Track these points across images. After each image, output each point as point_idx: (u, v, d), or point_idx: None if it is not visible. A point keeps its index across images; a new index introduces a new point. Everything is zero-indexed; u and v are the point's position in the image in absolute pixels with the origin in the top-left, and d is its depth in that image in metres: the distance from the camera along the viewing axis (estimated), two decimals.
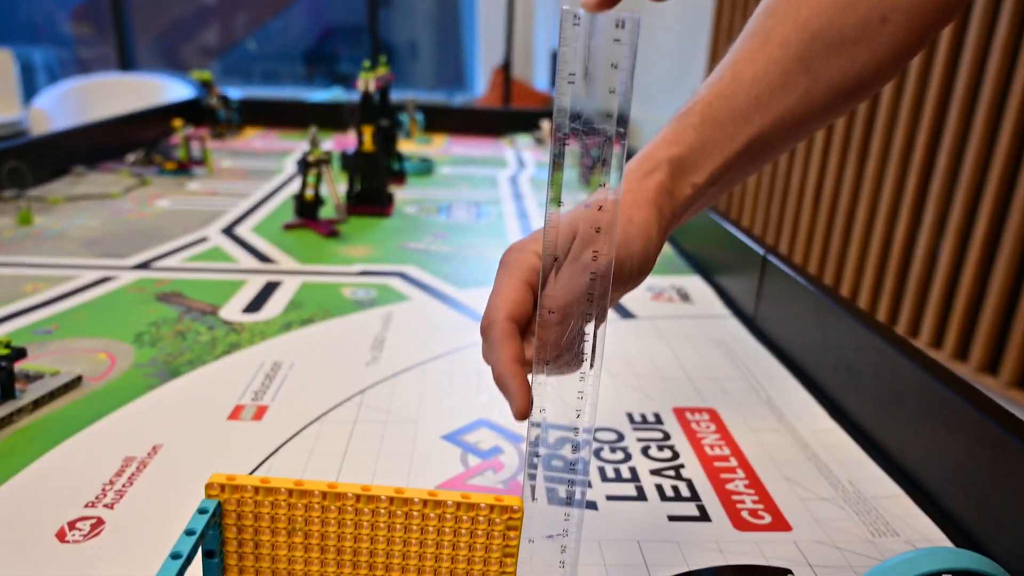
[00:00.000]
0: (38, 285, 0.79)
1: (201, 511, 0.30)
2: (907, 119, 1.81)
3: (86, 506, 0.42)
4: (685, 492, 0.46)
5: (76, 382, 0.57)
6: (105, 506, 0.42)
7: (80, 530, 0.40)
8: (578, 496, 0.36)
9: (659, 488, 0.46)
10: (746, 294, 0.77)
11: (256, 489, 0.30)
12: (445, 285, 0.84)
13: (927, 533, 0.42)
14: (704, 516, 0.44)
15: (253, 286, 0.81)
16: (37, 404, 0.53)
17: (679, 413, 0.56)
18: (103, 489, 0.44)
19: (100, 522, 0.41)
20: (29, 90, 3.18)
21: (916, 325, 1.83)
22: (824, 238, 2.18)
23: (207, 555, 0.31)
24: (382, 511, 0.31)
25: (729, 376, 0.63)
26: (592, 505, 0.45)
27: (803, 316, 0.64)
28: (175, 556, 0.27)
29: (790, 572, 0.29)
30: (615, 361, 0.65)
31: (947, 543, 0.41)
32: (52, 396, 0.55)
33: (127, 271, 0.85)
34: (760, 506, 0.45)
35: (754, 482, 0.47)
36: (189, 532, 0.28)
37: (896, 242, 1.87)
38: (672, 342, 0.70)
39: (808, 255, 2.26)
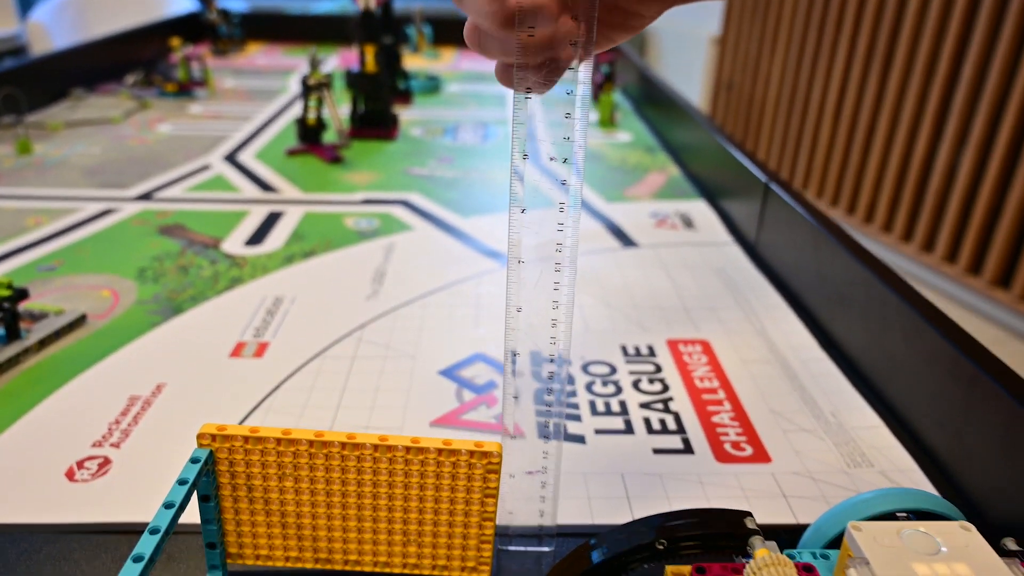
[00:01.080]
0: (40, 219, 0.80)
1: (193, 460, 0.31)
2: (933, 29, 1.74)
3: (93, 445, 0.45)
4: (672, 425, 0.48)
5: (80, 320, 0.59)
6: (111, 445, 0.45)
7: (88, 469, 0.43)
8: (552, 428, 0.38)
9: (647, 421, 0.48)
10: (748, 221, 0.77)
11: (246, 439, 0.32)
12: (448, 214, 0.84)
13: (900, 464, 0.44)
14: (688, 449, 0.45)
15: (256, 217, 0.82)
16: (43, 344, 0.55)
17: (672, 345, 0.57)
18: (109, 428, 0.46)
19: (107, 461, 0.43)
20: (26, 2, 3.12)
21: (932, 239, 1.81)
22: (844, 151, 2.14)
23: (203, 499, 0.33)
24: (367, 458, 0.32)
25: (726, 306, 0.63)
26: (580, 439, 0.46)
27: (800, 245, 0.64)
28: (168, 505, 0.29)
29: (749, 515, 0.30)
30: (614, 292, 0.66)
31: (919, 474, 0.43)
32: (57, 335, 0.57)
33: (129, 202, 0.86)
34: (743, 438, 0.46)
35: (739, 414, 0.49)
36: (181, 481, 0.30)
37: (916, 155, 1.83)
38: (672, 271, 0.70)
39: (827, 168, 2.22)
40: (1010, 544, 0.30)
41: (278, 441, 0.32)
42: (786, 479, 0.43)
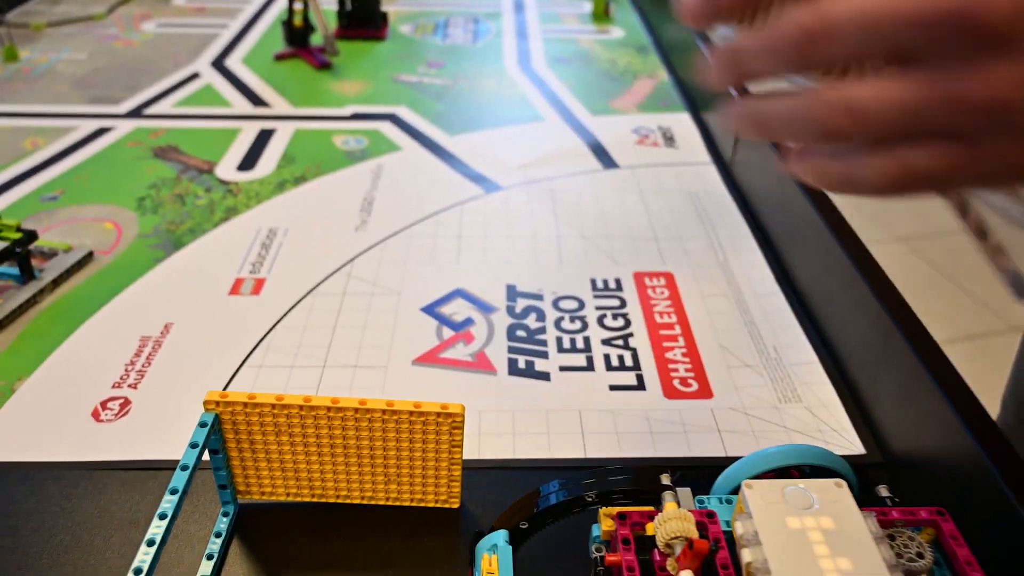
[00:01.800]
0: (37, 140, 0.84)
1: (202, 424, 0.38)
2: None
3: (113, 387, 0.51)
4: (628, 362, 0.54)
5: (88, 258, 0.64)
6: (129, 386, 0.51)
7: (111, 410, 0.49)
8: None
9: (607, 358, 0.54)
10: (726, 138, 0.80)
11: (245, 404, 0.38)
12: (436, 131, 0.87)
13: (825, 399, 0.50)
14: (640, 385, 0.52)
15: (247, 135, 0.85)
16: (56, 283, 0.61)
17: (638, 278, 0.62)
18: (125, 370, 0.52)
19: (127, 402, 0.50)
20: None
21: None
22: None
23: (212, 452, 0.39)
24: (349, 419, 0.39)
25: (694, 235, 0.68)
26: (546, 377, 0.53)
27: (768, 172, 0.67)
28: (183, 468, 0.35)
29: (666, 471, 0.36)
30: (591, 222, 0.70)
31: (840, 411, 0.49)
32: (68, 273, 0.62)
33: (122, 119, 0.89)
34: (691, 374, 0.53)
35: (691, 350, 0.55)
36: (193, 445, 0.37)
37: None
38: (648, 196, 0.74)
39: None
40: (882, 491, 0.37)
41: (272, 406, 0.38)
42: (723, 414, 0.49)
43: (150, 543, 0.32)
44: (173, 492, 0.34)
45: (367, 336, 0.56)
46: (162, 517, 0.33)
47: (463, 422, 0.39)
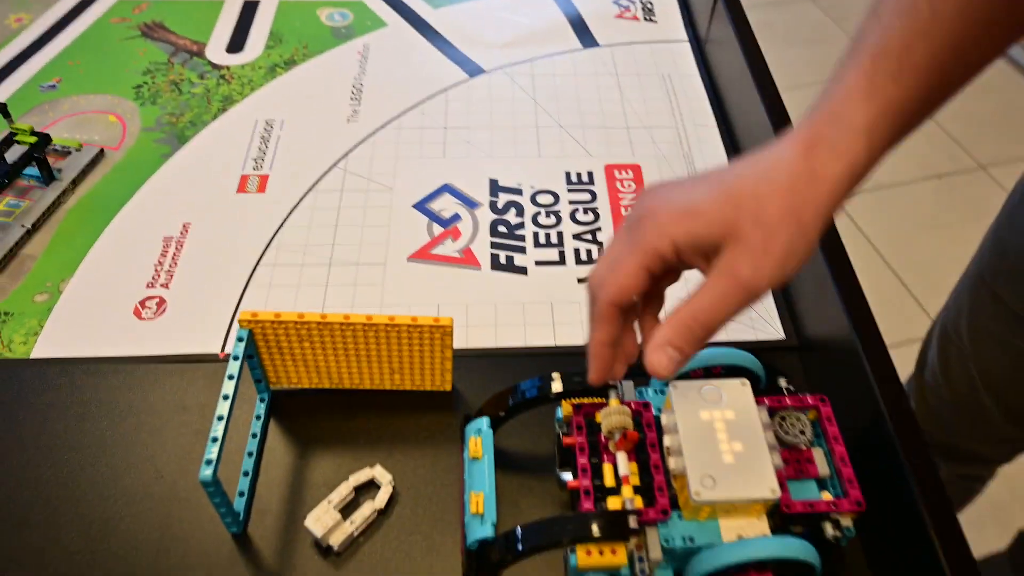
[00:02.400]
0: (21, 17, 0.86)
1: (239, 339, 0.47)
2: None
3: (147, 286, 0.60)
4: (596, 255, 0.62)
5: (100, 156, 0.70)
6: (162, 286, 0.60)
7: (150, 308, 0.58)
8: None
9: (576, 252, 0.62)
10: (702, 12, 0.83)
11: (272, 321, 0.47)
12: (419, 2, 0.89)
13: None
14: None
15: (232, 8, 0.87)
16: (75, 183, 0.68)
17: (609, 171, 0.69)
18: (155, 271, 0.61)
19: (163, 301, 0.59)
20: None
21: None
22: None
23: (248, 357, 0.49)
24: (359, 331, 0.48)
25: (663, 124, 0.74)
26: (523, 271, 0.61)
27: (735, 55, 0.72)
28: (230, 377, 0.45)
29: (613, 388, 0.45)
30: (568, 110, 0.75)
31: (770, 299, 0.58)
32: (84, 173, 0.68)
33: None
34: None
35: None
36: (235, 357, 0.46)
37: None
38: (623, 79, 0.79)
39: None
40: (782, 382, 0.47)
41: (295, 323, 0.47)
42: (671, 305, 0.58)
43: (220, 418, 0.42)
44: (225, 398, 0.44)
45: (366, 234, 0.64)
46: (225, 398, 0.43)
47: (452, 331, 0.48)
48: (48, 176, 0.66)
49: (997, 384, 0.60)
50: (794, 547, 0.38)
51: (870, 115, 0.34)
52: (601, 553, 0.40)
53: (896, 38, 0.34)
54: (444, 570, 0.44)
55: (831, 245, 0.53)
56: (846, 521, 0.40)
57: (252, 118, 0.74)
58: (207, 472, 0.40)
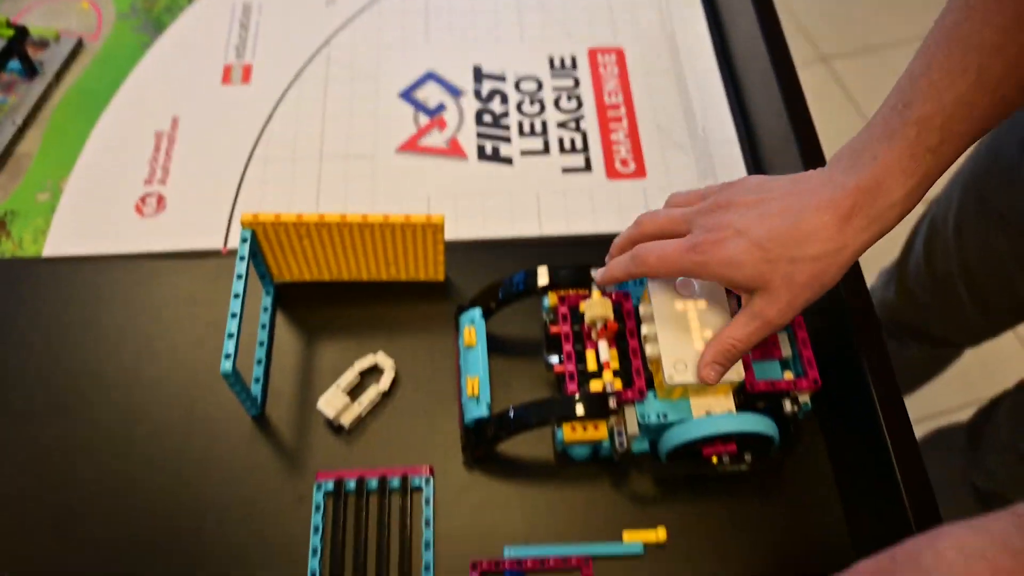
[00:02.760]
0: None
1: (243, 239, 0.50)
2: None
3: (145, 183, 0.62)
4: (579, 144, 0.65)
5: (79, 46, 0.70)
6: (159, 183, 0.62)
7: (150, 205, 0.61)
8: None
9: (560, 141, 0.65)
10: None
11: (272, 224, 0.50)
12: None
13: (738, 175, 0.62)
14: (588, 167, 0.63)
15: None
16: (58, 76, 0.68)
17: (592, 55, 0.70)
18: (151, 167, 0.63)
19: (162, 198, 0.61)
20: None
21: None
22: None
23: (253, 255, 0.52)
24: (355, 230, 0.51)
25: (646, 4, 0.74)
26: (509, 161, 0.64)
27: None
28: (239, 277, 0.48)
29: (596, 267, 0.50)
30: None
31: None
32: (66, 65, 0.69)
33: None
34: (630, 155, 0.64)
35: (632, 131, 0.65)
36: (241, 257, 0.49)
37: None
38: None
39: None
40: None
41: (294, 224, 0.50)
42: (653, 193, 0.62)
43: (233, 315, 0.46)
44: (236, 296, 0.48)
45: (354, 125, 0.65)
46: (236, 296, 0.47)
47: (443, 227, 0.52)
48: (30, 69, 0.67)
49: (975, 279, 0.65)
50: (755, 422, 0.43)
51: (907, 187, 0.39)
52: (584, 429, 0.46)
53: (940, 110, 0.37)
54: (444, 444, 0.50)
55: (806, 132, 0.56)
56: (804, 398, 0.46)
57: (228, 3, 0.73)
58: (227, 365, 0.45)
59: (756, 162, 0.63)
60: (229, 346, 0.46)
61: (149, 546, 0.47)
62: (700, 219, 0.43)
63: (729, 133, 0.65)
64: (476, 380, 0.49)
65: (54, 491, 0.49)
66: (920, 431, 1.15)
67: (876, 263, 0.85)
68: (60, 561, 0.46)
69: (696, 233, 0.42)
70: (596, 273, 0.47)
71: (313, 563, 0.45)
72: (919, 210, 0.75)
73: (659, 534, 0.46)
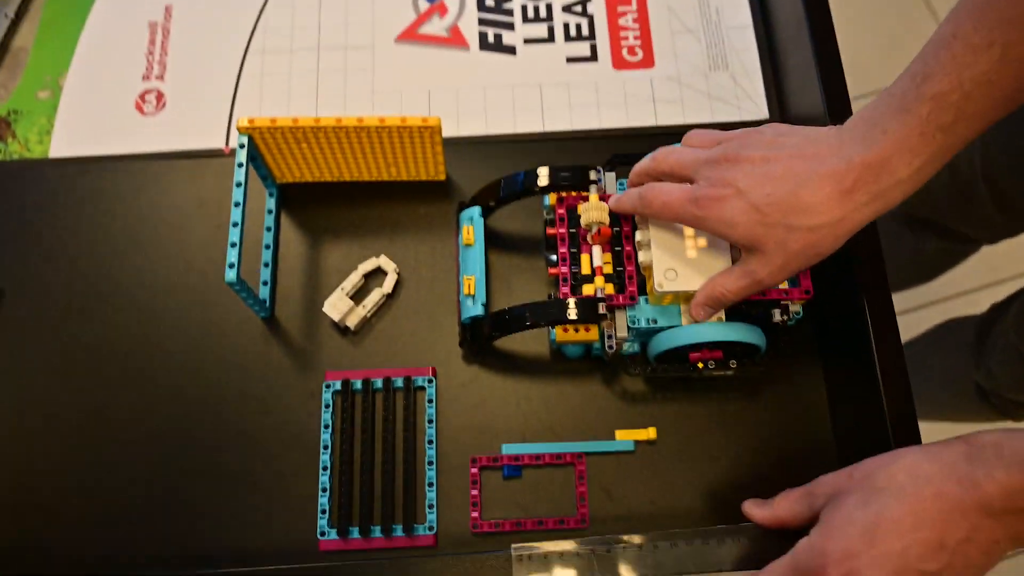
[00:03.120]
0: None
1: (240, 146, 0.50)
2: None
3: (143, 79, 0.61)
4: (585, 31, 0.62)
5: None
6: (157, 78, 0.61)
7: (150, 103, 0.60)
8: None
9: (566, 27, 0.62)
10: None
11: (269, 128, 0.50)
12: None
13: (749, 66, 0.60)
14: (594, 55, 0.61)
15: None
16: None
17: None
18: (148, 61, 0.62)
19: (161, 95, 0.61)
20: None
21: None
22: None
23: (251, 159, 0.52)
24: (352, 133, 0.51)
25: None
26: (511, 50, 0.62)
27: None
28: (238, 184, 0.49)
29: (595, 168, 0.48)
30: None
31: (758, 76, 0.60)
32: None
33: None
34: (638, 42, 0.62)
35: (642, 15, 0.62)
36: (239, 164, 0.50)
37: None
38: None
39: None
40: None
41: (291, 129, 0.50)
42: (660, 83, 0.60)
43: (235, 224, 0.48)
44: (236, 204, 0.48)
45: (351, 12, 0.63)
46: (236, 205, 0.48)
47: (440, 130, 0.51)
48: None
49: (995, 173, 0.63)
50: (741, 332, 0.45)
51: (914, 167, 0.38)
52: (576, 331, 0.47)
53: (958, 86, 0.36)
54: (445, 341, 0.52)
55: (822, 26, 0.53)
56: (795, 307, 0.46)
57: None
58: (231, 275, 0.47)
59: (771, 52, 0.61)
60: (232, 255, 0.47)
61: (171, 439, 0.50)
62: (707, 170, 0.42)
63: (744, 18, 0.62)
64: (472, 279, 0.50)
65: (78, 392, 0.52)
66: (939, 313, 1.16)
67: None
68: (88, 453, 0.50)
69: (700, 185, 0.42)
70: (611, 199, 0.47)
71: (324, 457, 0.49)
72: None
73: (649, 433, 0.49)
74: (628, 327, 0.46)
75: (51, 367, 0.53)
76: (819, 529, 0.37)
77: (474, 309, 0.50)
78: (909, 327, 1.15)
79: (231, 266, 0.47)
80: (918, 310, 1.18)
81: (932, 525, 0.34)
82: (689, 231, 0.46)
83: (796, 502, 0.40)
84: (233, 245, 0.47)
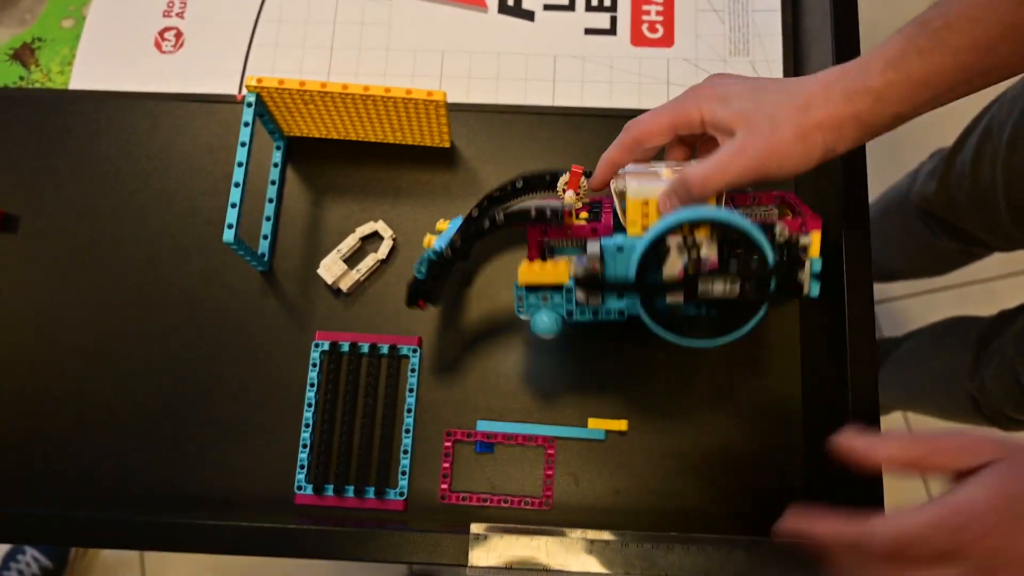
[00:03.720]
0: None
1: (247, 104, 0.51)
2: None
3: (164, 15, 0.62)
4: (608, 1, 0.61)
5: None
6: (177, 15, 0.62)
7: (169, 41, 0.61)
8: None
9: None
10: None
11: (277, 89, 0.51)
12: None
13: (771, 54, 0.58)
14: (612, 29, 0.60)
15: None
16: None
17: None
18: None
19: (180, 33, 0.61)
20: None
21: None
22: None
23: (259, 116, 0.53)
24: (358, 101, 0.51)
25: None
26: (530, 16, 0.61)
27: None
28: (243, 144, 0.50)
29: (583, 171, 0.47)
30: None
31: (779, 66, 0.58)
32: None
33: None
34: (660, 18, 0.60)
35: None
36: (245, 123, 0.51)
37: None
38: None
39: None
40: None
41: (299, 92, 0.51)
42: (676, 65, 0.59)
43: (236, 184, 0.49)
44: (243, 144, 0.50)
45: None
46: (240, 165, 0.49)
47: (445, 103, 0.51)
48: None
49: (1015, 190, 0.61)
50: (745, 223, 0.40)
51: (885, 80, 0.39)
52: (543, 268, 0.44)
53: (942, 16, 0.38)
54: (434, 317, 0.54)
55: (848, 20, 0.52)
56: (806, 240, 0.43)
57: None
58: (228, 235, 0.48)
59: (795, 41, 0.59)
60: (231, 216, 0.49)
61: (165, 379, 0.53)
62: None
63: (773, 1, 0.60)
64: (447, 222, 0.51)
65: (79, 322, 0.55)
66: (952, 299, 1.14)
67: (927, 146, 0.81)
68: (82, 383, 0.54)
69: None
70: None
71: (308, 415, 0.52)
72: (979, 106, 0.69)
73: (621, 424, 0.51)
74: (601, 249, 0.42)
75: (56, 297, 0.55)
76: (987, 493, 0.33)
77: (442, 240, 0.48)
78: (920, 311, 1.15)
79: (229, 227, 0.48)
80: (931, 293, 1.17)
81: None
82: (666, 171, 0.44)
83: (912, 446, 0.36)
84: (233, 206, 0.49)
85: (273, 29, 0.61)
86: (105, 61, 0.61)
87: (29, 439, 0.53)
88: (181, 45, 0.61)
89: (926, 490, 1.03)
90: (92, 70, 0.61)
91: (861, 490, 0.43)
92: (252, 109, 0.51)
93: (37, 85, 0.61)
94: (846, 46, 0.51)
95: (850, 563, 0.37)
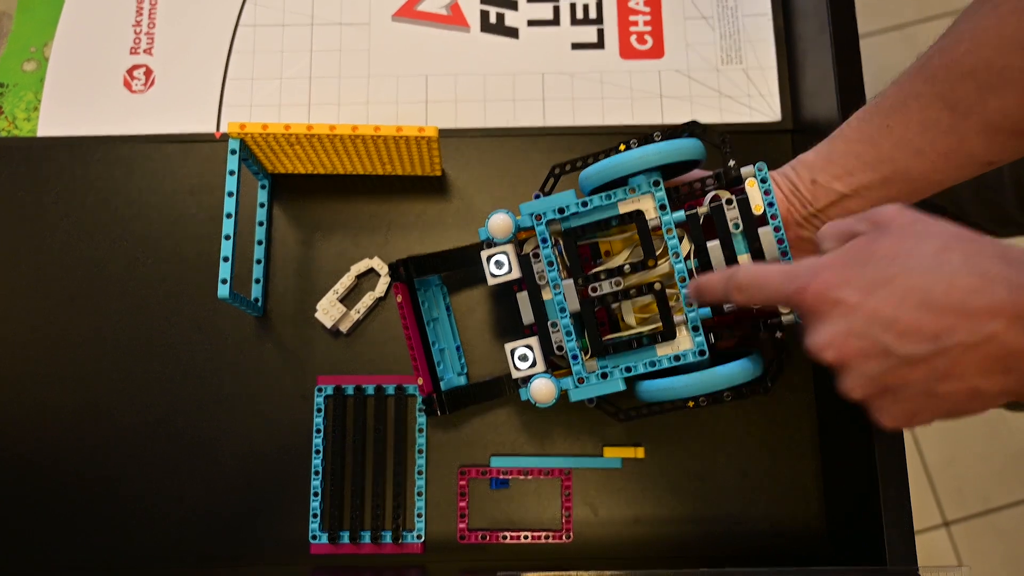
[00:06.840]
0: None
1: (232, 151, 0.51)
2: None
3: (131, 52, 0.61)
4: (593, 12, 0.61)
5: None
6: (145, 52, 0.61)
7: (139, 79, 0.61)
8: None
9: (572, 8, 0.61)
10: None
11: (261, 134, 0.51)
12: None
13: (764, 61, 0.59)
14: (600, 43, 0.61)
15: None
16: None
17: None
18: (135, 34, 0.61)
19: (150, 71, 0.61)
20: None
21: None
22: None
23: (244, 159, 0.53)
24: (347, 140, 0.51)
25: None
26: (514, 33, 0.61)
27: None
28: (230, 194, 0.50)
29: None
30: None
31: (773, 73, 0.59)
32: None
33: None
34: (648, 29, 0.61)
35: None
36: (231, 172, 0.51)
37: None
38: None
39: None
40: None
41: (284, 136, 0.51)
42: (668, 77, 0.60)
43: (227, 237, 0.49)
44: (230, 194, 0.50)
45: None
46: (228, 216, 0.49)
47: (437, 140, 0.52)
48: None
49: (1021, 172, 0.63)
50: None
51: (849, 187, 0.45)
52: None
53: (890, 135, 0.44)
54: None
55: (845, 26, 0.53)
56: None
57: None
58: (224, 291, 0.48)
59: (788, 45, 0.60)
60: (225, 270, 0.49)
61: (163, 436, 0.54)
62: None
63: (763, 5, 0.61)
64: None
65: (65, 384, 0.55)
66: None
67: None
68: (78, 452, 0.54)
69: None
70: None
71: (316, 462, 0.52)
72: None
73: (637, 452, 0.52)
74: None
75: (37, 358, 0.55)
76: (835, 252, 0.36)
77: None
78: None
79: (223, 282, 0.49)
80: None
81: (941, 313, 0.31)
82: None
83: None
84: (225, 259, 0.49)
85: (248, 60, 0.61)
86: (73, 105, 0.60)
87: (28, 508, 0.53)
88: (152, 83, 0.61)
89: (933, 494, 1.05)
90: (60, 115, 0.60)
91: (882, 511, 0.44)
92: (236, 156, 0.51)
93: (3, 134, 0.60)
94: (845, 55, 0.52)
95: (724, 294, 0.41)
